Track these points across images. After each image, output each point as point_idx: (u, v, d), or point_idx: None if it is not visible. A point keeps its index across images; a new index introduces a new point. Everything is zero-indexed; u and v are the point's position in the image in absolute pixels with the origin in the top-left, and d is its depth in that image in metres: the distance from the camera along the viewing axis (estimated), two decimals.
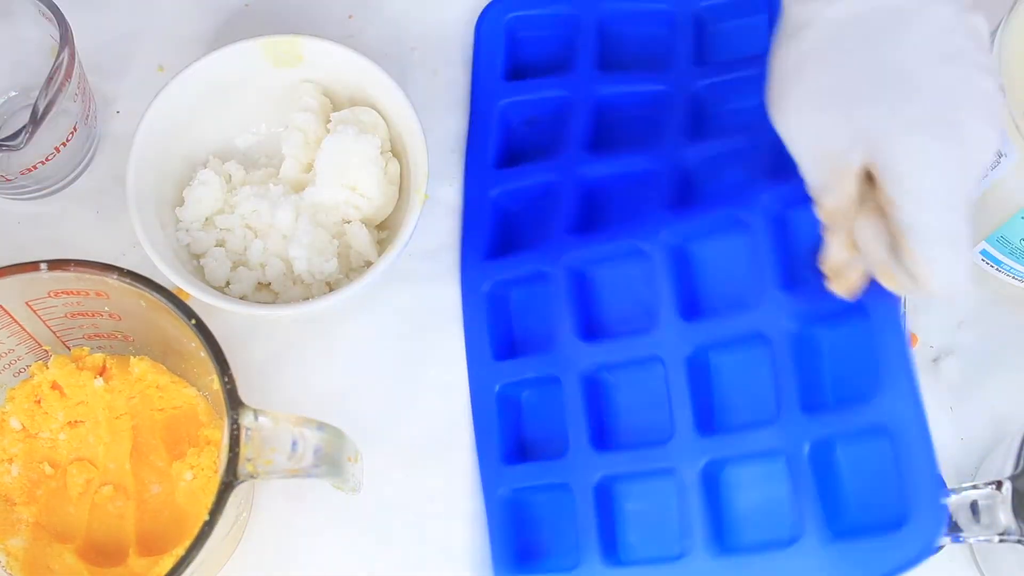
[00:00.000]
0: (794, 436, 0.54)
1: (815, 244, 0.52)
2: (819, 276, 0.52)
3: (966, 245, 0.45)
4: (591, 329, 0.61)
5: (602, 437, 0.59)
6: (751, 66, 0.61)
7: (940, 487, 0.51)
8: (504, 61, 0.68)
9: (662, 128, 0.63)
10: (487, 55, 0.68)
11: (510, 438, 0.61)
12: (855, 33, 0.46)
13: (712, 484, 0.56)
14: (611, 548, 0.58)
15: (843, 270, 0.50)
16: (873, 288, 0.51)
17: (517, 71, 0.68)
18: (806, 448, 0.54)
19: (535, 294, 0.62)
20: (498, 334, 0.63)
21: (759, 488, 0.56)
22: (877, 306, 0.52)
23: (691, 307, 0.58)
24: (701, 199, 0.60)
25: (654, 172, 0.62)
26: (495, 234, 0.65)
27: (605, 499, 0.58)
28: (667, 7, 0.67)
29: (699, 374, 0.57)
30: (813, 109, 0.47)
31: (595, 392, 0.60)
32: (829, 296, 0.52)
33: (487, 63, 0.68)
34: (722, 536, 0.55)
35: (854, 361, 0.55)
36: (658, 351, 0.58)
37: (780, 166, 0.53)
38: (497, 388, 0.61)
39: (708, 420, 0.57)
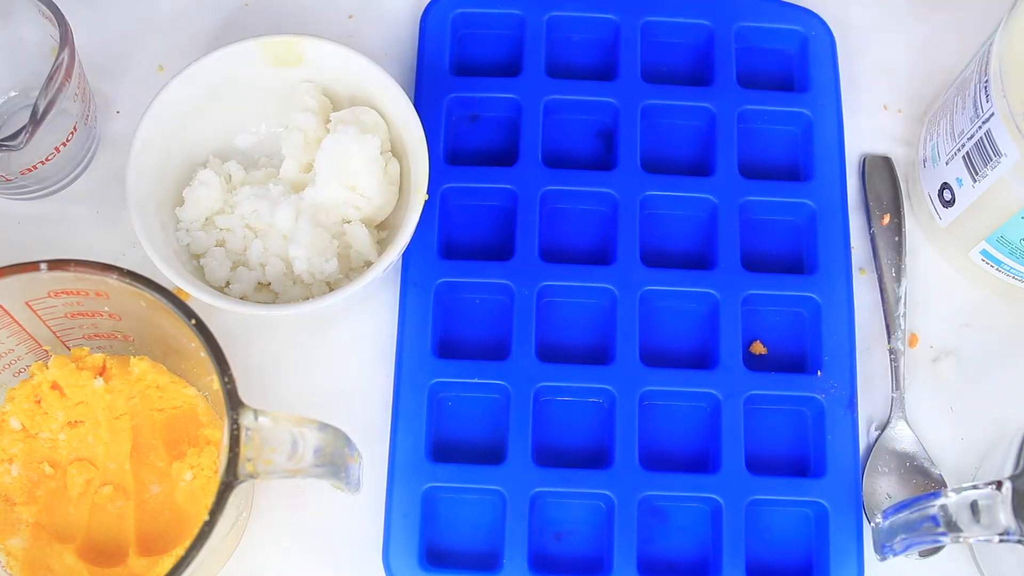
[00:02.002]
0: (733, 489, 0.59)
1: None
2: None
3: None
4: (547, 349, 0.62)
5: (543, 452, 0.61)
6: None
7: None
8: (450, 56, 0.68)
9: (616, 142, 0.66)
10: (432, 49, 0.68)
11: (435, 435, 0.61)
12: None
13: (646, 515, 0.59)
14: (539, 560, 0.59)
15: None
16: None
17: (462, 67, 0.68)
18: (744, 501, 0.59)
19: (490, 304, 0.63)
20: (440, 332, 0.63)
21: (690, 525, 0.60)
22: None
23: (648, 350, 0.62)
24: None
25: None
26: (442, 230, 0.65)
27: (539, 512, 0.60)
28: (615, 17, 0.68)
29: (649, 409, 0.61)
30: None
31: (543, 408, 0.61)
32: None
33: (432, 57, 0.67)
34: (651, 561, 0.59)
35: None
36: (612, 385, 0.61)
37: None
38: (431, 383, 0.61)
39: (651, 456, 0.60)
